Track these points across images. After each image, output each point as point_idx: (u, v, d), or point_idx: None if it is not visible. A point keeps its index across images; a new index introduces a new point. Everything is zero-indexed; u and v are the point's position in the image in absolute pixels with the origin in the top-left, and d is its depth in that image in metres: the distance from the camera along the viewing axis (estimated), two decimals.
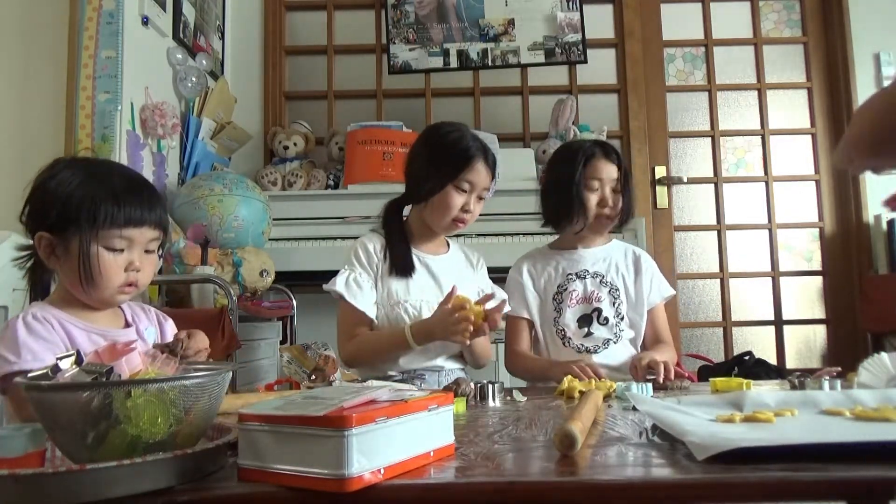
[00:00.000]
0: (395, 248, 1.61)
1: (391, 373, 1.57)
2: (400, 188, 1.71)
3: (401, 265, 1.59)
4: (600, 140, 1.83)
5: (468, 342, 1.45)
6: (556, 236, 1.82)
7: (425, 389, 1.24)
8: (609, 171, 1.68)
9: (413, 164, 1.63)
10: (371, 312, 1.57)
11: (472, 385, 1.44)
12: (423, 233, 1.66)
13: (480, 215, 1.65)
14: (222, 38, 3.22)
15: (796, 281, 3.36)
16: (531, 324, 1.74)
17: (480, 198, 1.61)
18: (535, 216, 1.87)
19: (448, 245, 1.73)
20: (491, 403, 1.31)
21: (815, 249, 3.37)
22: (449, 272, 1.64)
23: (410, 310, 1.57)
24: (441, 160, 1.57)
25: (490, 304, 1.45)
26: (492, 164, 1.60)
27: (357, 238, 1.70)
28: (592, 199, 1.68)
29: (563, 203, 1.70)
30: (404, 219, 1.69)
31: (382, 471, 0.72)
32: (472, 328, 1.41)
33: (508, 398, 1.37)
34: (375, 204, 1.75)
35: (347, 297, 1.55)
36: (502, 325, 1.63)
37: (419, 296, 1.58)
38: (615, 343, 1.68)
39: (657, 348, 1.69)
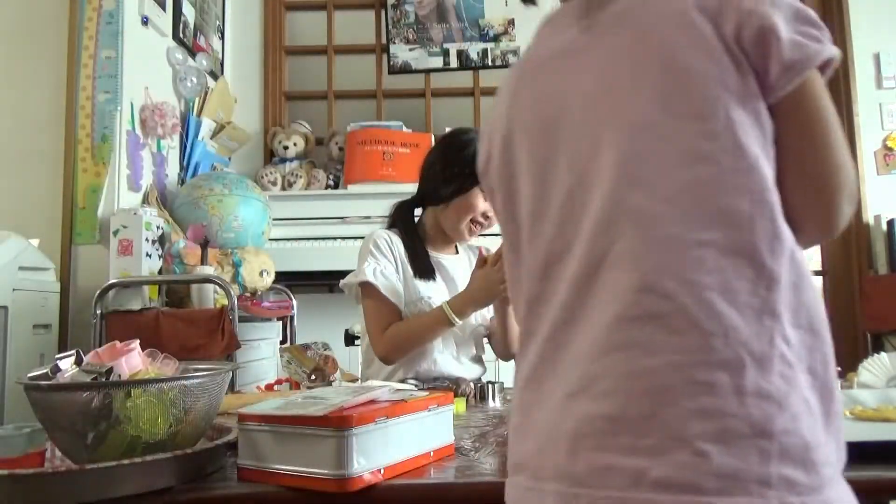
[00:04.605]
0: (416, 249, 1.59)
1: (434, 375, 1.53)
2: (400, 188, 1.71)
3: (423, 269, 1.57)
4: None
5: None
6: None
7: (426, 389, 1.24)
8: None
9: (435, 166, 1.61)
10: (401, 305, 1.53)
11: (472, 385, 1.44)
12: (436, 235, 1.65)
13: None
14: (222, 38, 3.22)
15: None
16: None
17: None
18: None
19: (456, 247, 1.73)
20: (491, 403, 1.31)
21: (815, 249, 3.37)
22: (460, 271, 1.65)
23: (434, 306, 1.54)
24: (469, 164, 1.56)
25: None
26: None
27: (356, 237, 1.69)
28: None
29: None
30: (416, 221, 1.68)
31: (382, 471, 0.72)
32: None
33: (508, 398, 1.37)
34: (375, 204, 1.75)
35: (382, 289, 1.50)
36: None
37: (437, 295, 1.57)
38: None
39: None
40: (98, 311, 1.98)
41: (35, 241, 2.02)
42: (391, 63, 3.36)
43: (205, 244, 2.19)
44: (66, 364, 0.78)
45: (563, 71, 0.67)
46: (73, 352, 0.80)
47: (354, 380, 1.56)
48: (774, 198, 0.56)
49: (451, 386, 1.41)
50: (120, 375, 0.76)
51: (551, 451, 0.57)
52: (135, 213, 2.12)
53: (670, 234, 0.55)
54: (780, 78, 0.57)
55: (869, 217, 3.22)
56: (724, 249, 0.54)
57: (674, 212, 0.56)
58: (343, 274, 1.60)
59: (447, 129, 1.85)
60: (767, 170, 0.56)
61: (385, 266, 1.53)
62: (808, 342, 0.55)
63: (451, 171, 1.57)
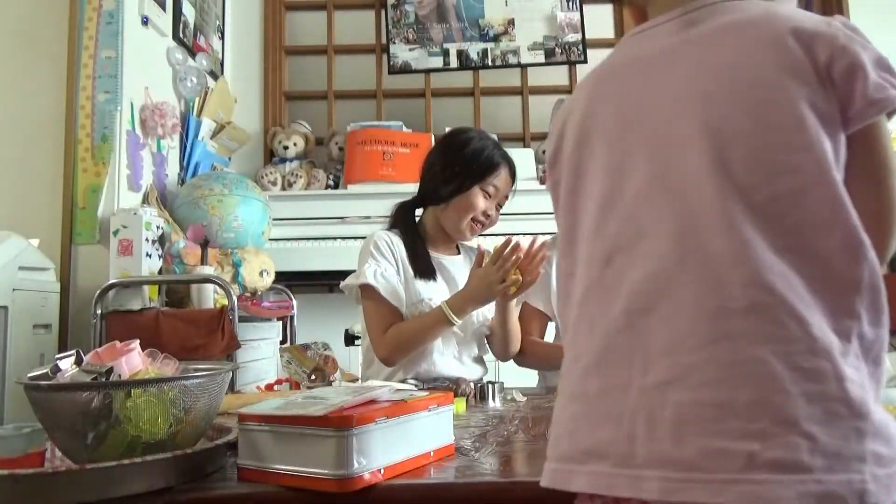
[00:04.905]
0: (416, 250, 1.59)
1: (434, 376, 1.53)
2: (400, 188, 1.71)
3: (423, 269, 1.57)
4: None
5: (513, 290, 1.43)
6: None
7: (426, 389, 1.25)
8: None
9: (435, 166, 1.61)
10: (402, 307, 1.52)
11: (472, 385, 1.45)
12: (437, 235, 1.65)
13: None
14: (222, 38, 3.22)
15: None
16: (545, 317, 1.71)
17: (499, 205, 1.63)
18: (535, 216, 1.88)
19: (457, 247, 1.72)
20: (491, 403, 1.31)
21: None
22: (461, 272, 1.64)
23: (434, 307, 1.54)
24: (468, 163, 1.57)
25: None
26: (513, 175, 1.64)
27: (356, 237, 1.68)
28: None
29: None
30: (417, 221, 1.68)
31: (382, 471, 0.72)
32: (517, 277, 1.41)
33: (508, 398, 1.37)
34: (375, 204, 1.74)
35: (383, 291, 1.49)
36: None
37: (438, 296, 1.56)
38: None
39: None
40: (98, 311, 1.98)
41: (35, 241, 2.02)
42: (391, 63, 3.36)
43: (205, 244, 2.19)
44: (66, 364, 0.78)
45: (650, 77, 0.70)
46: (73, 352, 0.80)
47: (354, 380, 1.56)
48: (852, 208, 0.60)
49: (451, 386, 1.42)
50: (120, 375, 0.76)
51: (646, 439, 0.59)
52: (135, 213, 2.12)
53: (759, 237, 0.60)
54: (861, 111, 0.62)
55: None
56: (803, 254, 0.59)
57: (762, 218, 0.60)
58: (343, 274, 1.60)
59: (447, 129, 1.84)
60: (843, 186, 0.61)
61: (386, 268, 1.53)
62: (879, 336, 0.60)
63: (451, 170, 1.57)
